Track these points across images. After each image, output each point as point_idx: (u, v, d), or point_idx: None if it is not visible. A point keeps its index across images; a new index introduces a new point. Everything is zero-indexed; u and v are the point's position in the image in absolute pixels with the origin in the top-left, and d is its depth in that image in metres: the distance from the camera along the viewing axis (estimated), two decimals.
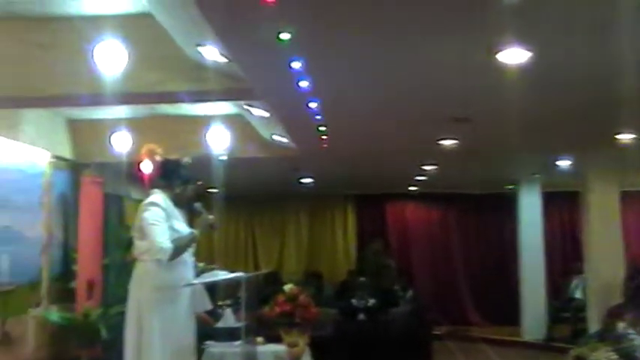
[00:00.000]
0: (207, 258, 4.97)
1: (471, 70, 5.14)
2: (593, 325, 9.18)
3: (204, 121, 8.44)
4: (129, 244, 9.88)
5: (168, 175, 4.79)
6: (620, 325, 6.54)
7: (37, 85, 6.03)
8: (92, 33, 5.33)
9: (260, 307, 7.12)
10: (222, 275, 4.86)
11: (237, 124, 8.48)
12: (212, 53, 5.38)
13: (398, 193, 14.98)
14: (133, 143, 8.33)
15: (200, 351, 5.99)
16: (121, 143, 8.41)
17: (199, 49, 5.41)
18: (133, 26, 5.62)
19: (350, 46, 4.69)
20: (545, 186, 12.86)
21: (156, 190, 4.75)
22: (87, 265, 9.29)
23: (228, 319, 8.01)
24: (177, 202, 4.72)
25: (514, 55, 4.73)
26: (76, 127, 9.45)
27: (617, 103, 5.83)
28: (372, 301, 10.23)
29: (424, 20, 4.17)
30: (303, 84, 5.41)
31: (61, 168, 9.41)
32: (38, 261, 8.76)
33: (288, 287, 7.50)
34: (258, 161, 9.62)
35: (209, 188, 11.90)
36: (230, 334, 7.62)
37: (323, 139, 7.80)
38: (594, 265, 10.20)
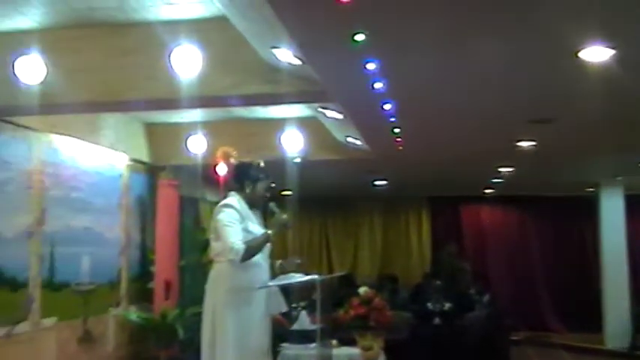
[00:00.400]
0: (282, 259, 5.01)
1: (552, 69, 4.98)
2: None
3: (278, 124, 8.48)
4: (204, 246, 10.07)
5: (240, 177, 4.81)
6: None
7: (117, 90, 6.16)
8: (169, 38, 5.42)
9: (334, 310, 7.07)
10: (298, 277, 4.83)
11: (312, 126, 8.48)
12: (286, 55, 5.38)
13: (473, 196, 14.72)
14: (209, 146, 8.45)
15: (275, 353, 5.99)
16: (197, 146, 8.54)
17: (274, 51, 5.41)
18: (208, 30, 5.68)
19: (426, 47, 4.60)
20: (628, 188, 12.41)
21: (231, 193, 4.77)
22: (164, 267, 9.46)
23: (303, 322, 8.01)
24: (252, 203, 4.72)
25: (596, 54, 4.56)
26: (152, 131, 9.64)
27: None
28: (447, 305, 10.07)
29: (503, 19, 4.05)
30: (378, 85, 5.35)
31: (139, 171, 9.61)
32: (117, 262, 8.98)
33: (362, 290, 7.44)
34: (332, 163, 9.60)
35: (283, 190, 11.97)
36: (305, 337, 7.62)
37: (397, 141, 7.71)
38: None
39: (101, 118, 8.38)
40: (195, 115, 8.57)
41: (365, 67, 4.85)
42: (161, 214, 9.68)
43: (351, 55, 4.58)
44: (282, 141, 8.23)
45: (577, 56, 4.57)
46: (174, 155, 9.44)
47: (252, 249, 4.47)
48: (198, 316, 8.95)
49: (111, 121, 8.61)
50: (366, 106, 6.16)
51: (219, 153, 8.42)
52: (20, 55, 5.51)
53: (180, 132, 8.94)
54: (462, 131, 7.50)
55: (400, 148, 8.08)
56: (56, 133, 7.54)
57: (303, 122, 8.41)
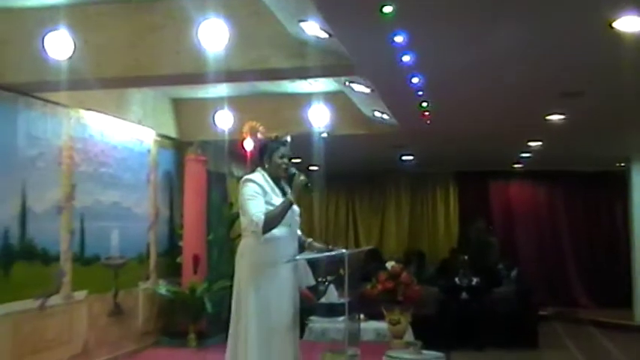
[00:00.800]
0: (308, 235, 5.00)
1: (585, 40, 4.89)
2: None
3: (305, 99, 8.45)
4: (232, 221, 10.16)
5: (260, 154, 4.80)
6: None
7: (144, 65, 6.17)
8: (196, 13, 5.41)
9: (362, 284, 7.08)
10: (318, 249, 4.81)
11: (339, 101, 8.44)
12: (313, 29, 5.34)
13: (502, 171, 14.60)
14: (235, 121, 8.45)
15: (303, 326, 6.02)
16: (224, 122, 8.55)
17: (301, 24, 5.38)
18: (234, 4, 5.66)
19: (454, 19, 4.54)
20: None
21: (258, 169, 4.77)
22: (192, 241, 9.53)
23: (331, 296, 8.06)
24: (275, 175, 4.70)
25: (630, 23, 4.46)
26: (180, 107, 9.67)
27: None
28: (475, 280, 10.05)
29: None
30: (406, 59, 5.30)
31: (166, 146, 9.67)
32: (146, 236, 9.06)
33: (390, 265, 7.44)
34: (359, 138, 9.57)
35: (310, 166, 11.97)
36: (332, 311, 7.66)
37: (425, 115, 7.65)
38: None
39: (129, 93, 8.41)
40: (222, 90, 8.57)
41: (393, 40, 4.79)
42: (189, 190, 9.73)
43: (379, 28, 4.53)
44: (309, 116, 8.21)
45: (611, 27, 4.47)
46: (201, 131, 9.47)
47: (272, 218, 4.45)
48: (225, 290, 9.09)
49: (138, 96, 8.65)
50: (393, 79, 6.11)
51: (245, 128, 8.41)
52: (49, 31, 5.54)
53: (207, 107, 8.96)
54: (491, 105, 7.42)
55: (428, 122, 8.01)
56: (85, 108, 7.59)
57: (330, 97, 8.38)
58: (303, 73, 6.53)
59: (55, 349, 6.95)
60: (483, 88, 6.62)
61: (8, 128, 6.43)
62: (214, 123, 8.66)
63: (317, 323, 7.78)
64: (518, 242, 14.71)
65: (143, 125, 8.87)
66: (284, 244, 4.60)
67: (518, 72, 5.89)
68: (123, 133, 8.47)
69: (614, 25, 4.46)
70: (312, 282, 4.92)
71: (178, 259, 9.63)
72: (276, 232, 4.53)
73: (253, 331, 4.44)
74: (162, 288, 9.21)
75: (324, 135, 8.81)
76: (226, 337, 4.65)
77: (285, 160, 4.71)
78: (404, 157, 12.33)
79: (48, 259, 6.93)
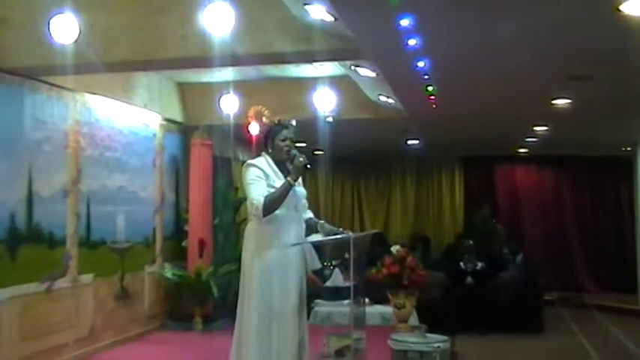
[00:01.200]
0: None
1: (592, 24, 4.85)
2: None
3: (311, 83, 8.43)
4: (237, 205, 10.18)
5: (264, 138, 4.80)
6: None
7: (150, 49, 6.17)
8: None
9: (367, 269, 7.10)
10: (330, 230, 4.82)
11: (344, 85, 8.43)
12: (319, 12, 5.32)
13: (507, 155, 14.58)
14: (241, 106, 8.43)
15: (308, 310, 6.03)
16: (229, 106, 8.54)
17: (306, 7, 5.36)
18: None
19: (461, 3, 4.52)
20: None
21: (262, 153, 4.77)
22: (197, 225, 9.56)
23: (337, 279, 8.08)
24: (278, 159, 4.70)
25: (638, 7, 4.43)
26: (185, 91, 9.67)
27: None
28: (480, 265, 10.06)
29: None
30: (412, 42, 5.28)
31: (172, 131, 9.68)
32: (152, 220, 9.09)
33: (395, 249, 7.46)
34: (364, 123, 9.55)
35: (316, 150, 11.97)
36: (337, 294, 7.69)
37: (431, 99, 7.63)
38: None
39: (135, 78, 8.41)
40: (228, 74, 8.56)
41: (399, 24, 4.78)
42: (194, 174, 9.75)
43: (384, 11, 4.51)
44: (314, 100, 8.20)
45: (618, 10, 4.44)
46: (207, 115, 9.48)
47: (272, 201, 4.46)
48: (231, 274, 9.14)
49: (144, 80, 8.65)
50: (399, 63, 6.09)
51: (251, 112, 8.41)
52: (54, 15, 5.52)
53: (212, 92, 8.95)
54: (497, 89, 7.39)
55: (434, 106, 8.00)
56: (91, 92, 7.59)
57: (335, 81, 8.36)
58: (308, 57, 6.51)
59: (61, 332, 7.00)
60: (489, 72, 6.59)
61: (14, 112, 6.44)
62: (220, 107, 8.65)
63: (322, 307, 7.81)
64: (523, 227, 14.71)
65: (149, 109, 8.87)
66: (289, 227, 4.61)
67: (524, 56, 5.86)
68: (129, 118, 8.47)
69: (621, 8, 4.42)
70: (318, 265, 4.91)
71: (184, 243, 9.67)
72: (281, 215, 4.55)
73: (254, 314, 4.46)
74: (168, 272, 9.25)
75: (330, 119, 8.80)
76: (232, 320, 4.67)
77: (287, 143, 4.71)
78: (409, 142, 12.31)
79: (54, 242, 6.96)
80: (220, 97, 8.64)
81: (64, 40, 5.57)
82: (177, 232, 9.75)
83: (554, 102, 7.96)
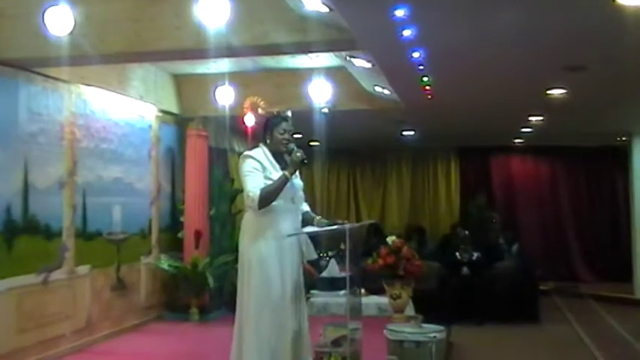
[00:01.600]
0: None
1: (587, 13, 4.86)
2: None
3: (306, 74, 8.44)
4: (233, 197, 10.19)
5: (263, 129, 4.80)
6: None
7: (145, 40, 6.16)
8: None
9: (363, 259, 7.12)
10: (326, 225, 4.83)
11: (339, 76, 8.43)
12: (314, 3, 5.32)
13: (503, 146, 14.59)
14: (237, 97, 8.44)
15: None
16: (225, 97, 8.54)
17: None
18: None
19: None
20: None
21: (260, 145, 4.77)
22: (194, 217, 9.58)
23: (333, 270, 8.10)
24: (275, 150, 4.70)
25: None
26: (181, 83, 9.66)
27: None
28: (476, 255, 10.09)
29: None
30: (407, 33, 5.28)
31: (168, 122, 9.67)
32: (148, 212, 9.10)
33: (391, 239, 7.48)
34: (360, 113, 9.55)
35: (311, 141, 11.98)
36: (333, 285, 7.71)
37: (426, 89, 7.64)
38: None
39: (130, 69, 8.40)
40: (223, 65, 8.55)
41: (394, 14, 4.78)
42: (190, 165, 9.76)
43: (379, 1, 4.51)
44: (310, 91, 8.20)
45: (613, 0, 4.45)
46: (202, 106, 9.47)
47: (268, 193, 4.48)
48: (227, 265, 9.16)
49: (140, 72, 8.64)
50: (394, 54, 6.09)
51: (246, 103, 8.42)
52: (49, 7, 5.51)
53: (208, 83, 8.95)
54: (492, 79, 7.39)
55: (429, 97, 8.00)
56: (86, 84, 7.58)
57: (331, 72, 8.36)
58: (304, 48, 6.51)
59: (58, 323, 7.01)
60: (484, 63, 6.59)
61: (9, 104, 6.43)
62: (215, 98, 8.65)
63: (319, 297, 7.84)
64: (519, 217, 14.73)
65: (144, 101, 8.86)
66: (286, 219, 4.63)
67: (520, 46, 5.86)
68: (124, 109, 8.46)
69: None
70: (314, 256, 4.93)
71: (180, 235, 9.68)
72: (278, 206, 4.57)
73: (253, 303, 4.49)
74: (164, 263, 9.26)
75: (325, 110, 8.81)
76: (229, 311, 4.70)
77: (286, 136, 4.72)
78: (405, 133, 12.32)
79: (50, 234, 6.96)
80: (216, 88, 8.64)
81: (59, 31, 5.56)
82: (174, 223, 9.76)
83: (549, 92, 7.96)
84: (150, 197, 9.15)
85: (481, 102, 8.79)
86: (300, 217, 4.77)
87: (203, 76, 9.20)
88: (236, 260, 4.80)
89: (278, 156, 4.71)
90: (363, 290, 6.82)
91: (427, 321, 6.10)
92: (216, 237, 9.83)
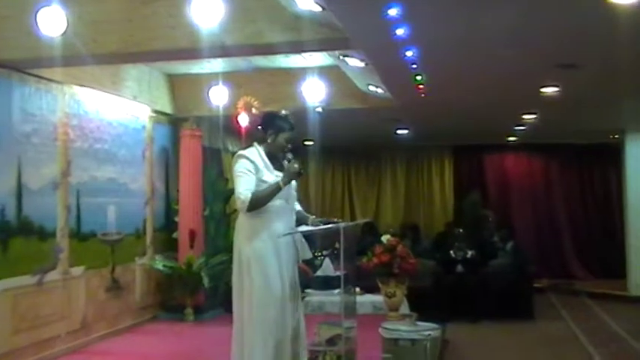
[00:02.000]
0: (304, 209, 5.00)
1: (579, 11, 4.88)
2: None
3: (300, 73, 8.45)
4: (227, 196, 10.19)
5: (265, 126, 4.78)
6: None
7: (139, 40, 6.16)
8: None
9: (358, 258, 7.14)
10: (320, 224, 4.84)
11: (333, 75, 8.44)
12: (307, 2, 5.33)
13: (496, 144, 14.62)
14: (230, 97, 8.45)
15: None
16: (219, 97, 8.54)
17: None
18: None
19: None
20: None
21: (254, 144, 4.77)
22: (188, 217, 9.57)
23: (327, 269, 8.12)
24: (272, 153, 4.70)
25: None
26: (174, 83, 9.65)
27: None
28: (470, 253, 10.10)
29: None
30: (400, 31, 5.29)
31: (162, 122, 9.66)
32: (142, 212, 9.09)
33: (385, 238, 7.50)
34: (354, 112, 9.55)
35: (305, 140, 11.98)
36: (328, 284, 7.73)
37: (420, 88, 7.65)
38: None
39: (124, 70, 8.38)
40: (217, 65, 8.55)
41: (387, 13, 4.79)
42: (184, 165, 9.75)
43: (372, 0, 4.52)
44: (303, 90, 8.21)
45: None
46: (196, 106, 9.47)
47: (259, 198, 4.48)
48: (222, 265, 9.16)
49: (133, 72, 8.63)
50: (387, 52, 6.10)
51: (240, 103, 8.47)
52: (42, 7, 5.50)
53: (202, 83, 8.94)
54: (486, 77, 7.41)
55: (422, 95, 8.01)
56: (79, 85, 7.57)
57: (324, 71, 8.36)
58: (297, 47, 6.52)
59: (53, 324, 7.01)
60: (477, 61, 6.61)
61: (2, 105, 6.42)
62: (209, 98, 8.65)
63: (314, 296, 7.85)
64: (513, 215, 14.75)
65: (138, 101, 8.86)
66: (281, 219, 4.63)
67: (513, 44, 5.88)
68: (118, 110, 8.46)
69: None
70: (309, 255, 4.94)
71: (175, 235, 9.68)
72: (273, 206, 4.58)
73: (255, 302, 4.49)
74: (159, 263, 9.25)
75: (319, 109, 8.81)
76: (224, 311, 4.70)
77: (289, 146, 4.73)
78: (399, 131, 12.33)
79: (44, 235, 6.95)
80: (210, 88, 8.63)
81: (52, 32, 5.54)
82: (168, 223, 9.75)
83: (542, 90, 7.99)
84: (144, 197, 9.14)
85: (475, 100, 8.81)
86: (294, 217, 4.78)
87: (197, 76, 9.20)
88: (231, 260, 4.80)
89: (272, 157, 4.70)
90: (357, 289, 6.85)
91: (422, 319, 6.12)
92: (211, 237, 9.83)
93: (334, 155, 15.07)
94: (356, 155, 15.45)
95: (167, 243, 9.65)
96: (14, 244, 6.45)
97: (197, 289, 9.21)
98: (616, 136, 12.71)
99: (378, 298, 7.72)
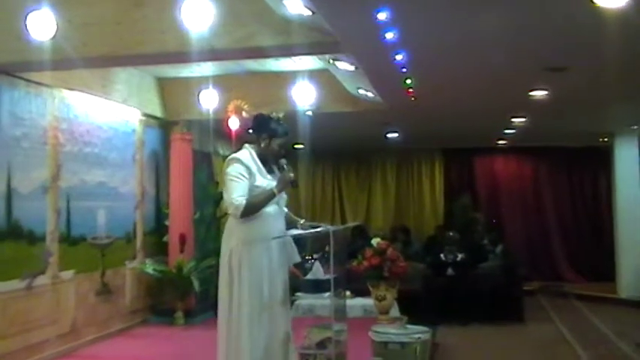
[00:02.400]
0: (294, 213, 5.00)
1: (567, 15, 4.91)
2: None
3: (290, 77, 8.45)
4: (218, 200, 10.18)
5: (258, 129, 4.74)
6: None
7: (128, 44, 6.16)
8: None
9: (348, 261, 7.13)
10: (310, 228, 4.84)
11: (323, 79, 8.45)
12: (297, 6, 5.34)
13: (486, 147, 14.66)
14: (221, 100, 8.45)
15: (290, 303, 6.06)
16: (209, 100, 8.54)
17: (284, 2, 5.37)
18: None
19: None
20: None
21: (246, 145, 4.74)
22: (178, 220, 9.56)
23: (317, 272, 8.10)
24: (264, 157, 4.69)
25: None
26: (164, 86, 9.64)
27: None
28: (460, 256, 10.13)
29: None
30: (389, 35, 5.31)
31: (152, 126, 9.65)
32: (133, 216, 9.08)
33: (376, 241, 7.50)
34: (344, 116, 9.57)
35: (296, 144, 11.98)
36: (318, 287, 7.71)
37: (410, 92, 7.67)
38: None
39: (113, 73, 8.37)
40: (207, 69, 8.55)
41: (376, 17, 4.80)
42: (175, 169, 9.75)
43: (362, 5, 4.54)
44: (293, 94, 8.21)
45: (592, 2, 4.50)
46: (186, 110, 9.46)
47: (253, 205, 4.46)
48: (213, 268, 9.13)
49: (123, 76, 8.61)
50: (377, 56, 6.12)
51: (231, 106, 8.47)
52: (31, 11, 5.49)
53: (192, 86, 8.94)
54: (475, 81, 7.44)
55: (412, 99, 8.04)
56: (69, 88, 7.55)
57: (314, 75, 8.38)
58: (288, 51, 6.53)
59: (42, 328, 6.98)
60: (467, 64, 6.64)
61: None
62: (200, 102, 8.65)
63: (304, 300, 7.83)
64: (503, 218, 14.81)
65: (128, 105, 8.84)
66: (272, 221, 4.62)
67: (501, 48, 5.91)
68: (108, 113, 8.44)
69: (595, 0, 4.49)
70: (298, 259, 4.94)
71: (165, 238, 9.66)
72: (265, 210, 4.55)
73: (247, 306, 4.47)
74: (149, 267, 9.24)
75: (310, 113, 8.83)
76: (214, 314, 4.68)
77: (282, 152, 4.72)
78: (389, 134, 12.35)
79: (34, 239, 6.93)
80: (200, 91, 8.63)
81: (42, 36, 5.54)
82: (158, 227, 9.74)
83: (531, 93, 8.02)
84: (134, 201, 9.12)
85: (464, 103, 8.84)
86: (284, 219, 4.78)
87: (187, 80, 9.20)
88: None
89: (263, 160, 4.68)
90: (348, 292, 6.84)
91: (412, 322, 6.13)
92: (201, 240, 9.82)
93: (324, 158, 15.09)
94: (346, 158, 15.47)
95: (157, 247, 9.63)
96: (3, 249, 6.43)
97: (187, 292, 9.20)
98: (605, 140, 12.78)
99: (368, 302, 7.71)
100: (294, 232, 4.74)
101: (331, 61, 7.27)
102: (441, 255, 10.20)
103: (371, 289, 7.42)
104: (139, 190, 9.22)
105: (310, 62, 8.26)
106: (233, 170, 4.53)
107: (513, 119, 10.42)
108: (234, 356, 4.48)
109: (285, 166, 4.64)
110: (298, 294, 7.53)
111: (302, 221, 4.85)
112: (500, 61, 6.38)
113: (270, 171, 4.67)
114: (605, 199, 14.12)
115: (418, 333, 5.77)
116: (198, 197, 9.94)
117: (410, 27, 5.20)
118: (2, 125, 6.49)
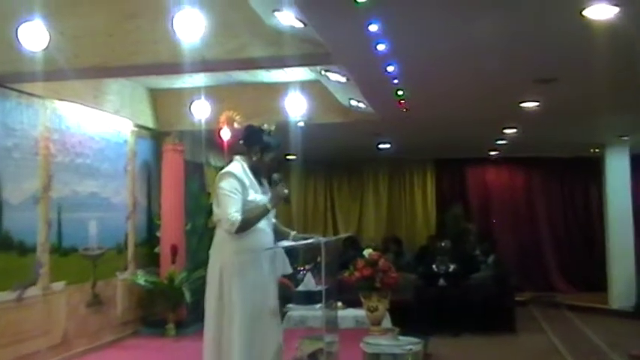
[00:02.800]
0: (286, 224, 5.00)
1: (557, 28, 4.95)
2: None
3: (281, 88, 8.47)
4: (210, 211, 10.12)
5: (250, 141, 4.73)
6: None
7: (120, 55, 6.17)
8: (172, 2, 5.38)
9: (340, 272, 7.13)
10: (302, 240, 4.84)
11: (315, 90, 8.48)
12: (288, 18, 5.36)
13: (478, 158, 14.71)
14: (212, 111, 8.45)
15: (282, 314, 6.06)
16: (201, 111, 8.54)
17: (276, 14, 5.39)
18: None
19: (429, 8, 4.58)
20: (634, 148, 12.36)
21: (237, 157, 4.72)
22: (170, 231, 9.55)
23: (309, 283, 8.10)
24: (256, 170, 4.67)
25: (601, 11, 4.53)
26: (156, 97, 9.65)
27: None
28: (452, 266, 10.14)
29: None
30: (381, 47, 5.34)
31: (144, 136, 9.65)
32: (124, 227, 9.06)
33: (367, 252, 7.49)
34: (336, 126, 9.59)
35: (288, 155, 12.00)
36: (309, 298, 7.71)
37: (401, 103, 7.70)
38: None
39: (105, 84, 8.38)
40: (199, 80, 8.56)
41: (367, 29, 4.83)
42: (166, 180, 9.74)
43: (353, 17, 4.56)
44: (285, 105, 8.23)
45: (582, 15, 4.54)
46: (178, 121, 9.47)
47: (249, 221, 4.44)
48: (204, 279, 9.09)
49: (115, 87, 8.62)
50: (369, 68, 6.14)
51: (222, 118, 8.47)
52: (23, 22, 5.49)
53: (184, 97, 8.95)
54: (466, 92, 7.47)
55: (404, 110, 8.06)
56: (61, 99, 7.55)
57: (306, 86, 8.40)
58: (279, 62, 6.54)
59: (33, 340, 6.95)
60: (458, 76, 6.67)
61: None
62: (191, 113, 8.65)
63: (295, 311, 7.83)
64: (495, 228, 14.84)
65: (120, 115, 8.84)
66: (263, 234, 4.61)
67: (492, 60, 5.94)
68: (100, 124, 8.44)
69: (584, 13, 4.53)
70: (289, 270, 4.93)
71: (156, 249, 9.64)
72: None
73: (238, 318, 4.45)
74: (141, 278, 9.21)
75: (301, 124, 8.84)
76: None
77: (275, 165, 4.71)
78: (381, 145, 12.38)
79: (25, 250, 6.91)
80: (192, 102, 8.64)
81: (34, 47, 5.53)
82: (150, 237, 9.72)
83: (522, 105, 8.07)
84: (126, 212, 9.11)
85: (456, 115, 8.87)
86: (273, 230, 4.77)
87: (179, 91, 9.20)
88: None
89: (255, 172, 4.67)
90: (339, 303, 6.83)
91: (404, 333, 6.12)
92: (193, 251, 9.79)
93: (316, 169, 15.10)
94: (338, 169, 15.49)
95: (149, 258, 9.61)
96: None
97: (179, 304, 9.17)
98: (596, 150, 12.83)
99: (360, 313, 7.69)
100: (285, 243, 4.74)
101: (323, 72, 7.30)
102: (433, 265, 10.21)
103: (363, 300, 7.41)
104: (130, 201, 9.21)
105: (302, 73, 8.28)
106: (227, 185, 4.50)
107: (505, 130, 10.46)
108: None
109: (278, 181, 4.63)
110: (290, 305, 7.55)
111: (293, 233, 4.85)
112: (492, 73, 6.42)
113: (260, 183, 4.66)
114: (596, 210, 14.17)
115: (410, 344, 5.76)
116: (190, 208, 9.93)
117: (401, 39, 5.23)
118: None
